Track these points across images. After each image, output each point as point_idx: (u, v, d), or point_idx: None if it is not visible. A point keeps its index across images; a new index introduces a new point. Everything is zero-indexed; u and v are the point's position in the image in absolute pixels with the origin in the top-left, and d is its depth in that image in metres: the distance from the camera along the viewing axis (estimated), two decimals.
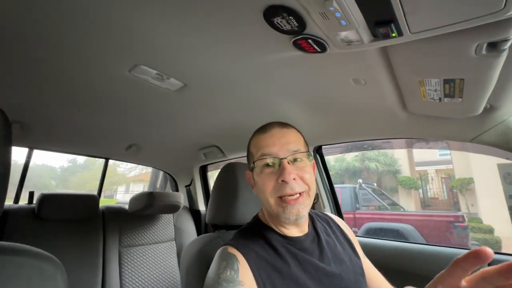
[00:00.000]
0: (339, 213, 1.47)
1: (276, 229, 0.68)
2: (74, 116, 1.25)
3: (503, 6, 0.40)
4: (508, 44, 0.49)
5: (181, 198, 1.72)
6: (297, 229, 0.69)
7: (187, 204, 2.18)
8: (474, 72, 0.60)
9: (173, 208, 1.71)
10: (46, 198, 1.41)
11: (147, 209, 1.61)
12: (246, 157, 0.77)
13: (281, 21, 0.55)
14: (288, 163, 0.62)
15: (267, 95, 1.05)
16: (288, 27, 0.57)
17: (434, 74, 0.65)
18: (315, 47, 0.61)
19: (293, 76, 0.88)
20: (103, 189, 2.03)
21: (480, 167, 8.72)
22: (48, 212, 1.40)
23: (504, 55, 0.52)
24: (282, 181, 0.61)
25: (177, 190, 2.24)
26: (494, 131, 0.87)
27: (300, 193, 0.63)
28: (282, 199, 0.62)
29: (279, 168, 0.62)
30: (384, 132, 1.13)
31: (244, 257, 0.60)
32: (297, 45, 0.64)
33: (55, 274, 0.49)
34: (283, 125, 0.70)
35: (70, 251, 1.41)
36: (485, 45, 0.50)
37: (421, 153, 11.66)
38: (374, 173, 11.53)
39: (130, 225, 1.69)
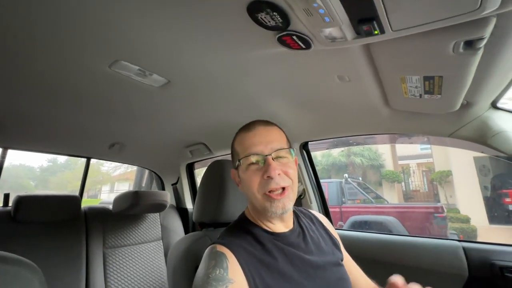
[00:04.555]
0: (325, 208, 1.49)
1: (263, 226, 0.70)
2: (53, 114, 1.19)
3: (478, 5, 0.41)
4: (484, 42, 0.51)
5: (167, 196, 1.69)
6: (282, 225, 0.71)
7: (174, 203, 2.15)
8: (452, 69, 0.62)
9: (159, 207, 1.68)
10: (23, 200, 1.34)
11: (132, 208, 1.57)
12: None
13: (265, 17, 0.55)
14: (272, 159, 0.64)
15: (253, 91, 1.05)
16: (272, 23, 0.56)
17: (415, 71, 0.67)
18: (300, 43, 0.61)
19: (279, 72, 0.88)
20: (87, 189, 1.96)
21: (458, 160, 9.14)
22: (25, 215, 1.34)
23: (480, 53, 0.54)
24: (268, 177, 0.62)
25: (163, 188, 2.20)
26: (471, 126, 0.90)
27: (284, 188, 0.65)
28: (268, 194, 0.64)
29: (264, 165, 0.64)
30: (368, 128, 1.15)
31: (233, 255, 0.60)
32: (281, 41, 0.63)
33: (33, 281, 0.47)
34: (267, 123, 0.72)
35: (50, 255, 1.35)
36: (462, 43, 0.52)
37: (404, 148, 12.05)
38: (360, 167, 11.83)
39: (115, 226, 1.65)
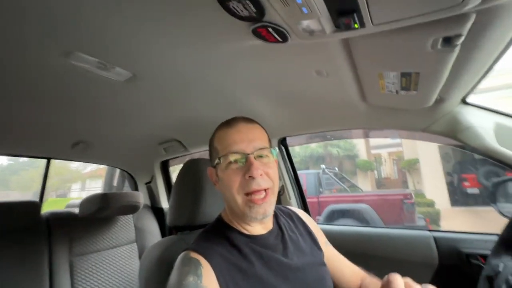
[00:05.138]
0: (304, 203, 1.49)
1: (240, 228, 0.67)
2: (6, 111, 1.04)
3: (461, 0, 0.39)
4: (461, 39, 0.50)
5: (140, 197, 1.59)
6: (261, 226, 0.69)
7: (148, 202, 2.04)
8: (429, 66, 0.61)
9: (131, 209, 1.58)
10: None
11: (101, 212, 1.46)
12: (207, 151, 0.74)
13: (237, 6, 0.49)
14: (254, 158, 0.62)
15: (229, 87, 0.99)
16: (245, 12, 0.51)
17: (392, 67, 0.66)
18: (276, 36, 0.57)
19: (255, 67, 0.83)
20: (55, 188, 1.79)
21: (424, 148, 9.79)
22: None
23: (457, 50, 0.54)
24: (250, 177, 0.60)
25: (136, 188, 2.09)
26: (442, 121, 0.93)
27: (265, 190, 0.62)
28: (249, 198, 0.61)
29: (246, 164, 0.61)
30: (345, 123, 1.15)
31: (208, 261, 0.58)
32: (257, 33, 0.58)
33: None
34: (249, 120, 0.69)
35: (5, 268, 1.22)
36: (440, 40, 0.51)
37: (375, 137, 12.61)
38: (336, 158, 12.24)
39: (82, 231, 1.53)
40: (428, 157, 9.68)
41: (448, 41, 0.51)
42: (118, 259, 1.61)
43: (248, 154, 0.62)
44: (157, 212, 1.95)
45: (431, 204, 8.22)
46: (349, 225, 1.35)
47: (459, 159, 9.65)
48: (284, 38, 0.57)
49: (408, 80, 0.69)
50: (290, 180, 1.47)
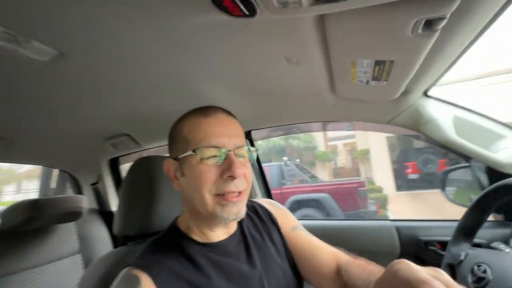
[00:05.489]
0: (269, 197, 1.44)
1: (196, 236, 0.59)
2: None
3: None
4: (443, 23, 0.46)
5: (83, 201, 1.36)
6: (224, 231, 0.61)
7: (96, 206, 1.79)
8: (404, 54, 0.58)
9: (72, 216, 1.35)
10: None
11: (31, 223, 1.21)
12: (166, 147, 0.64)
13: None
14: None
15: (186, 73, 0.85)
16: None
17: (367, 54, 0.61)
18: (242, 8, 0.46)
19: (217, 49, 0.72)
20: None
21: (374, 139, 10.71)
22: None
23: (435, 36, 0.50)
24: (230, 176, 0.53)
25: (79, 190, 1.81)
26: (406, 114, 0.93)
27: (240, 192, 0.56)
28: (222, 196, 0.55)
29: (225, 161, 0.55)
30: (313, 116, 1.11)
31: (152, 278, 0.50)
32: (218, 4, 0.47)
33: None
34: (227, 112, 0.62)
35: None
36: (423, 22, 0.47)
37: (332, 129, 13.41)
38: (296, 150, 12.69)
39: (8, 246, 1.25)
40: (377, 147, 10.61)
41: (429, 25, 0.48)
42: (56, 275, 1.36)
43: (229, 150, 0.55)
44: (107, 216, 1.72)
45: (380, 190, 9.04)
46: (314, 219, 1.33)
47: (402, 149, 10.80)
48: (252, 11, 0.47)
49: (381, 69, 0.66)
50: (257, 176, 1.40)
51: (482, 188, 1.04)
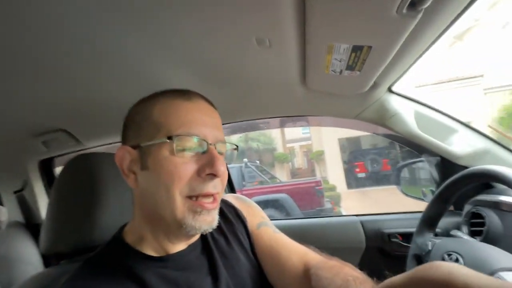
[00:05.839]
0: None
1: (149, 249, 0.48)
2: None
3: None
4: (428, 3, 0.44)
5: (1, 213, 1.09)
6: (185, 242, 0.51)
7: (21, 218, 1.47)
8: (383, 38, 0.56)
9: None
10: None
11: None
12: (115, 145, 0.53)
13: None
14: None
15: (138, 54, 0.72)
16: None
17: (346, 37, 0.57)
18: None
19: (177, 30, 0.60)
20: None
21: (328, 141, 11.43)
22: None
23: (417, 18, 0.48)
24: (209, 174, 0.44)
25: None
26: (372, 108, 0.94)
27: (213, 195, 0.47)
28: (195, 201, 0.45)
29: (205, 156, 0.45)
30: (282, 110, 1.06)
31: None
32: None
33: None
34: (209, 102, 0.53)
35: None
36: (408, 1, 0.44)
37: (290, 132, 13.98)
38: (256, 151, 12.81)
39: None
40: (331, 148, 11.36)
41: (414, 5, 0.45)
42: None
43: (210, 144, 0.46)
44: (36, 230, 1.42)
45: (333, 188, 9.66)
46: (280, 219, 1.28)
47: (351, 150, 11.77)
48: None
49: (357, 57, 0.63)
50: None
51: (435, 181, 1.11)
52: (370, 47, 0.58)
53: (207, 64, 0.79)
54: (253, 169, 6.58)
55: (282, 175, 12.18)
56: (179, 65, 0.79)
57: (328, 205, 6.40)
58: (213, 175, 0.45)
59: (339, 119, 1.05)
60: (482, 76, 9.08)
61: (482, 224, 0.80)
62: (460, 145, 0.89)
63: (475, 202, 0.89)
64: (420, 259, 0.76)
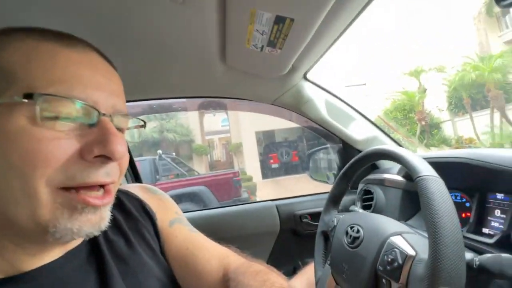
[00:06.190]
0: None
1: None
2: None
3: None
4: None
5: None
6: (59, 250, 0.36)
7: None
8: (305, 11, 0.53)
9: None
10: None
11: None
12: None
13: None
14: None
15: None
16: None
17: (269, 4, 0.52)
18: None
19: None
20: None
21: (246, 134, 11.90)
22: None
23: None
24: (101, 156, 0.32)
25: None
26: (289, 94, 0.96)
27: (104, 186, 0.34)
28: (75, 193, 0.31)
29: (95, 130, 0.32)
30: (199, 89, 0.94)
31: None
32: None
33: None
34: (104, 56, 0.38)
35: None
36: None
37: (209, 124, 13.81)
38: (173, 143, 12.03)
39: None
40: (248, 141, 11.86)
41: None
42: None
43: (104, 114, 0.33)
44: None
45: (250, 179, 10.14)
46: (194, 210, 1.19)
47: (267, 142, 12.65)
48: None
49: (279, 31, 0.60)
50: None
51: (337, 165, 1.25)
52: (292, 20, 0.56)
53: (106, 25, 0.60)
54: (168, 161, 6.13)
55: (200, 167, 11.92)
56: (66, 22, 0.57)
57: (245, 195, 6.66)
58: (107, 158, 0.32)
59: (256, 106, 1.03)
60: (364, 84, 11.36)
61: (372, 199, 0.94)
62: (358, 131, 1.02)
63: (366, 181, 1.03)
64: (326, 235, 0.82)
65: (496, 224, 0.60)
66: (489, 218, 0.62)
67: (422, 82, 10.07)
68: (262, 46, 0.67)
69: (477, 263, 0.41)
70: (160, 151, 6.40)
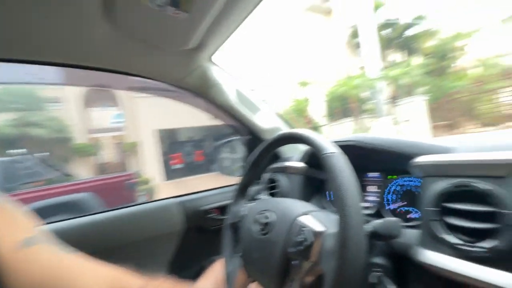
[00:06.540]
0: None
1: None
2: None
3: None
4: None
5: None
6: None
7: None
8: None
9: None
10: None
11: None
12: None
13: None
14: None
15: None
16: None
17: None
18: None
19: None
20: None
21: (145, 132, 10.74)
22: None
23: None
24: None
25: None
26: (195, 75, 0.86)
27: None
28: None
29: None
30: (76, 56, 0.70)
31: None
32: None
33: None
34: None
35: None
36: None
37: (96, 120, 11.72)
38: (42, 141, 9.38)
39: None
40: (148, 140, 10.76)
41: None
42: None
43: None
44: None
45: (148, 181, 9.21)
46: (70, 218, 0.91)
47: (169, 142, 11.87)
48: None
49: None
50: None
51: (245, 157, 1.24)
52: None
53: None
54: (31, 164, 4.72)
55: (85, 171, 9.88)
56: None
57: (142, 199, 5.97)
58: None
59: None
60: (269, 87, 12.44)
61: (277, 187, 0.96)
62: (263, 121, 1.03)
63: (270, 170, 1.06)
64: (235, 226, 0.78)
65: (373, 198, 0.72)
66: (367, 193, 0.73)
67: (308, 92, 12.00)
68: (164, 4, 0.55)
69: (370, 229, 0.45)
70: (20, 150, 4.86)
